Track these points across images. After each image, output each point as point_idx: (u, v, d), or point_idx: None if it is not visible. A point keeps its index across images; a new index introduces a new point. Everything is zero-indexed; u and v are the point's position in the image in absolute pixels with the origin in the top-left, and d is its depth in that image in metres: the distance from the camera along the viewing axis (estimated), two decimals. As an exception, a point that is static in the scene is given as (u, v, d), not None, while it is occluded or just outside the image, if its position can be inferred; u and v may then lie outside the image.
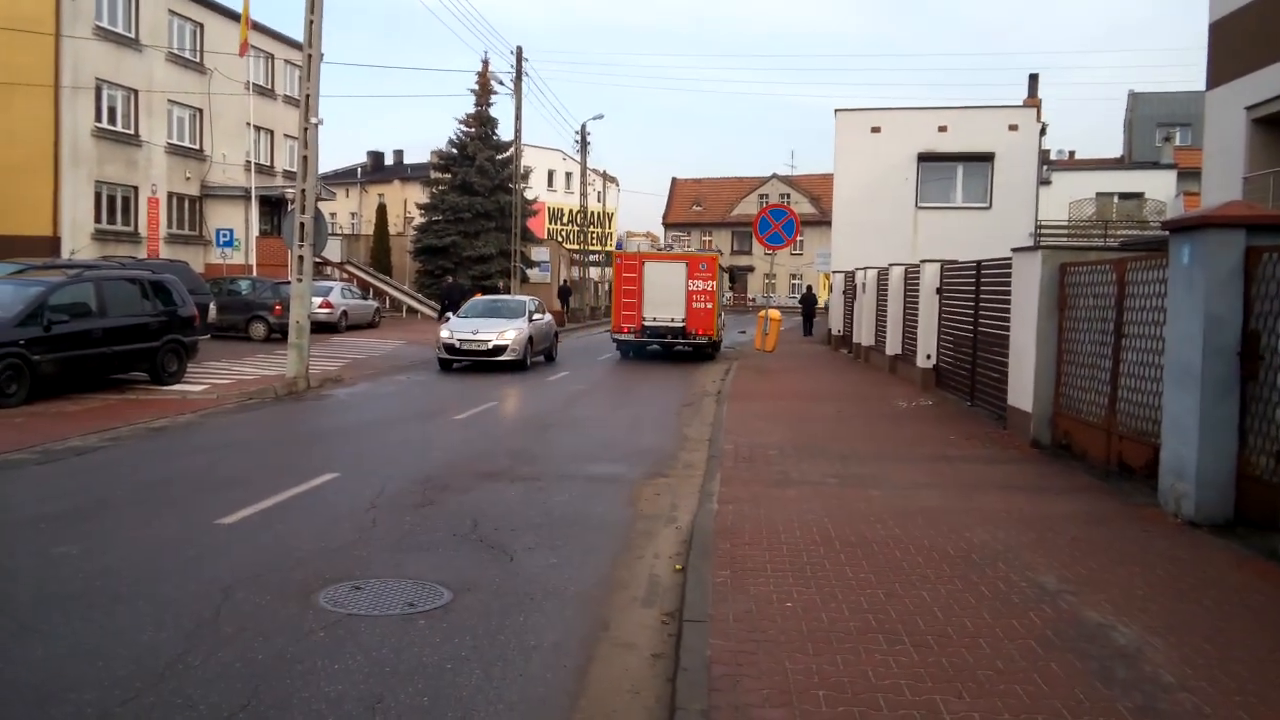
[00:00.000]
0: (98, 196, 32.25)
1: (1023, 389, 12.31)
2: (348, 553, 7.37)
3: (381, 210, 54.09)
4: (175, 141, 36.04)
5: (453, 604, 6.26)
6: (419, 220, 52.31)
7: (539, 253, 52.52)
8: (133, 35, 33.42)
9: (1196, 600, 6.07)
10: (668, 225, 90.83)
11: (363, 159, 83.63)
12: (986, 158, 32.75)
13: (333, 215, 69.20)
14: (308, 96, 18.39)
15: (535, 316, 23.38)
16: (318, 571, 6.84)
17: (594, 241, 65.14)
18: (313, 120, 18.38)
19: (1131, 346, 9.69)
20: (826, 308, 40.75)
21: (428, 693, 4.95)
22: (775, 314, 23.22)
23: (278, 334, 27.40)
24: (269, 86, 41.76)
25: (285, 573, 6.83)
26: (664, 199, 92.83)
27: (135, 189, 33.93)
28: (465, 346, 21.44)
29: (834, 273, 34.30)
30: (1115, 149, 62.33)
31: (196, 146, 37.26)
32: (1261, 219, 7.91)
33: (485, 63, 50.31)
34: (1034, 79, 37.17)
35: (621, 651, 5.63)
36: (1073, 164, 55.83)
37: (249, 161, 38.72)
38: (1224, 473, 7.83)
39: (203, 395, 16.18)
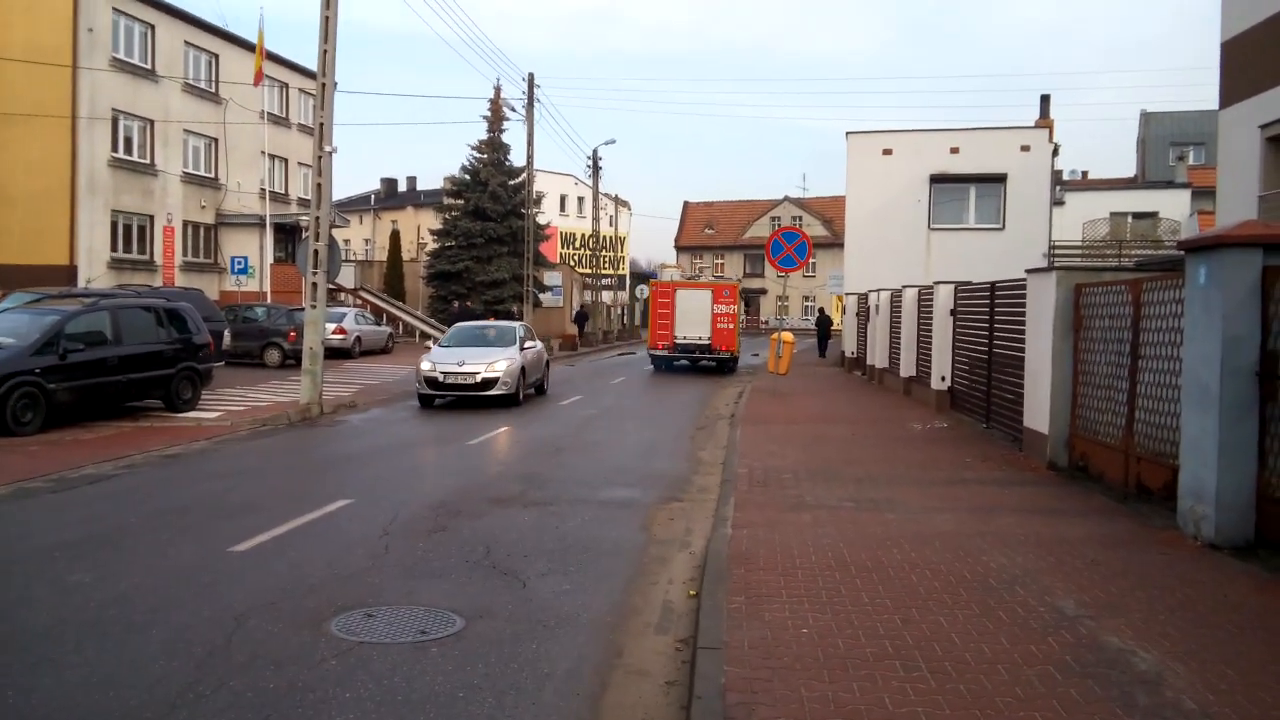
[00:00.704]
0: (114, 225, 32.53)
1: (1039, 410, 12.23)
2: (360, 580, 7.34)
3: (395, 236, 54.33)
4: (191, 170, 36.36)
5: (465, 631, 6.22)
6: (432, 246, 52.52)
7: (551, 277, 52.71)
8: (149, 66, 33.80)
9: (1218, 624, 5.99)
10: (680, 248, 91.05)
11: (376, 185, 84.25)
12: (999, 179, 32.71)
13: (346, 242, 69.63)
14: (321, 125, 18.52)
15: (527, 345, 21.13)
16: (330, 599, 6.82)
17: (606, 265, 65.24)
18: (326, 148, 18.51)
19: (1148, 367, 9.61)
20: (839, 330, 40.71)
21: (440, 722, 4.90)
22: (788, 336, 23.17)
23: (292, 360, 27.46)
24: (283, 115, 42.14)
25: (298, 600, 6.80)
26: (676, 222, 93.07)
27: (151, 218, 34.22)
28: (450, 380, 18.94)
29: (847, 295, 34.26)
30: (1128, 169, 62.18)
31: (212, 175, 37.57)
32: (1278, 238, 7.85)
33: (497, 89, 50.55)
34: (1045, 100, 37.14)
35: (635, 679, 5.58)
36: (1086, 184, 55.74)
37: (263, 189, 39.01)
38: (1244, 494, 7.74)
39: (217, 422, 16.23)
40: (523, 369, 20.01)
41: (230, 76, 37.31)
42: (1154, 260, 26.05)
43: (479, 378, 18.89)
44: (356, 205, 77.10)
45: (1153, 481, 9.46)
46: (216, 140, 37.39)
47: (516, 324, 22.49)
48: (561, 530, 9.07)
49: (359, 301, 42.51)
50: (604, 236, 61.31)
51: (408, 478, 11.82)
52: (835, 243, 64.78)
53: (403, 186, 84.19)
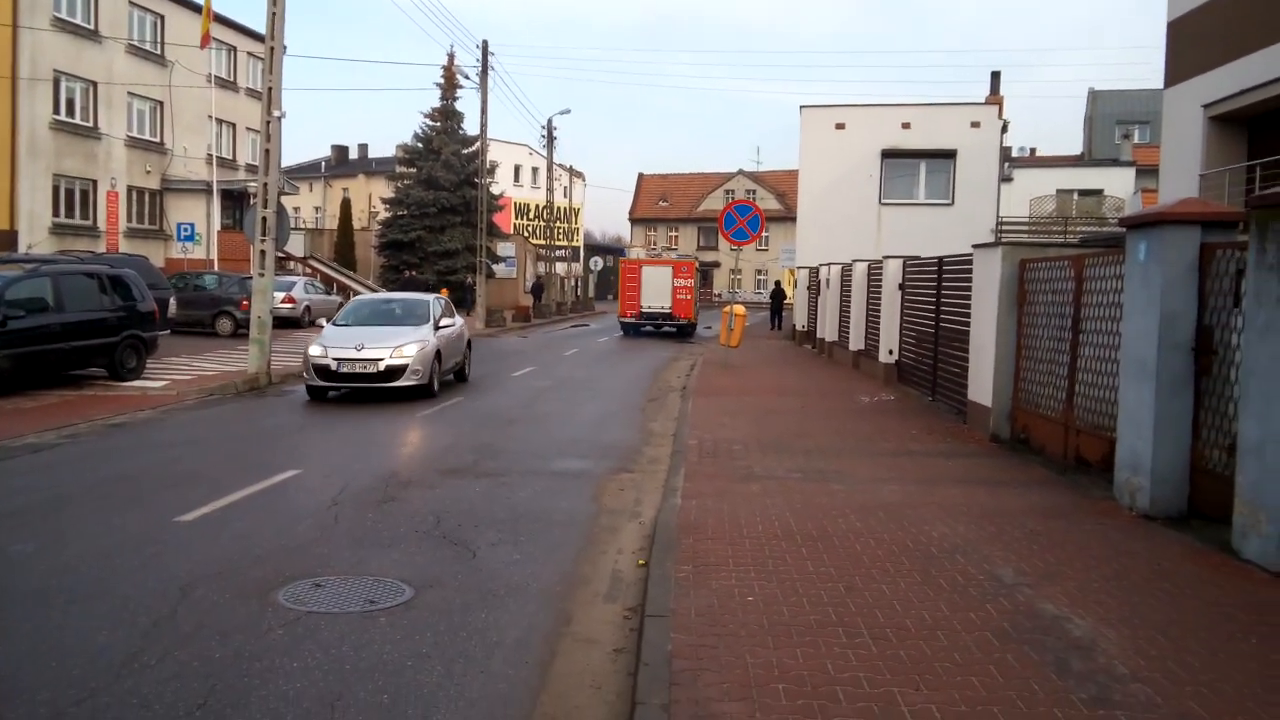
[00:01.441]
0: (55, 190, 31.79)
1: (982, 384, 12.44)
2: (308, 550, 7.32)
3: (346, 204, 53.65)
4: (135, 134, 35.58)
5: (414, 601, 6.24)
6: (384, 215, 51.98)
7: (505, 248, 52.37)
8: (92, 27, 32.94)
9: (1150, 592, 6.17)
10: (634, 221, 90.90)
11: (327, 152, 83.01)
12: (949, 155, 33.04)
13: (296, 209, 68.60)
14: (270, 89, 18.21)
15: (443, 323, 17.43)
16: (278, 569, 6.80)
17: (560, 237, 64.97)
18: (275, 113, 18.20)
19: (1089, 342, 9.81)
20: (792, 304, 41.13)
21: (388, 690, 4.93)
22: (740, 309, 23.29)
23: (244, 329, 27.03)
24: (231, 79, 41.31)
25: (245, 570, 6.77)
26: (631, 194, 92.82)
27: (94, 182, 33.47)
28: (345, 369, 15.41)
29: (799, 268, 34.48)
30: (1075, 146, 63.09)
31: (157, 139, 36.80)
32: (1216, 215, 8.03)
33: (451, 56, 50.11)
34: (996, 77, 37.56)
35: (584, 647, 5.64)
36: (1034, 161, 56.38)
37: (210, 155, 38.31)
38: (1178, 466, 7.96)
39: (162, 391, 16.00)
40: (438, 352, 16.62)
41: (177, 38, 36.45)
42: (1098, 237, 26.50)
43: (382, 365, 15.46)
44: (307, 172, 75.92)
45: (1091, 454, 9.69)
46: (162, 104, 36.59)
47: (431, 297, 18.78)
48: (512, 501, 9.09)
49: (309, 270, 41.99)
50: (558, 208, 61.01)
51: (358, 448, 11.76)
52: (788, 216, 64.99)
53: (354, 154, 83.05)
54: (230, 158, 41.33)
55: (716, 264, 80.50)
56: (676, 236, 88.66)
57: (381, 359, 15.52)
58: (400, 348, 15.77)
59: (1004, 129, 33.99)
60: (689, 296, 36.28)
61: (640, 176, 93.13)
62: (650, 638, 5.34)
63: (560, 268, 64.26)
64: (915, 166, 33.54)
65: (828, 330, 26.24)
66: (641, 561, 7.15)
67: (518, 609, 6.18)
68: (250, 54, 41.20)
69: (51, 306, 15.36)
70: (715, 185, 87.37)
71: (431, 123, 50.28)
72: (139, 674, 5.03)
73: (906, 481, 9.58)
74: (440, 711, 4.73)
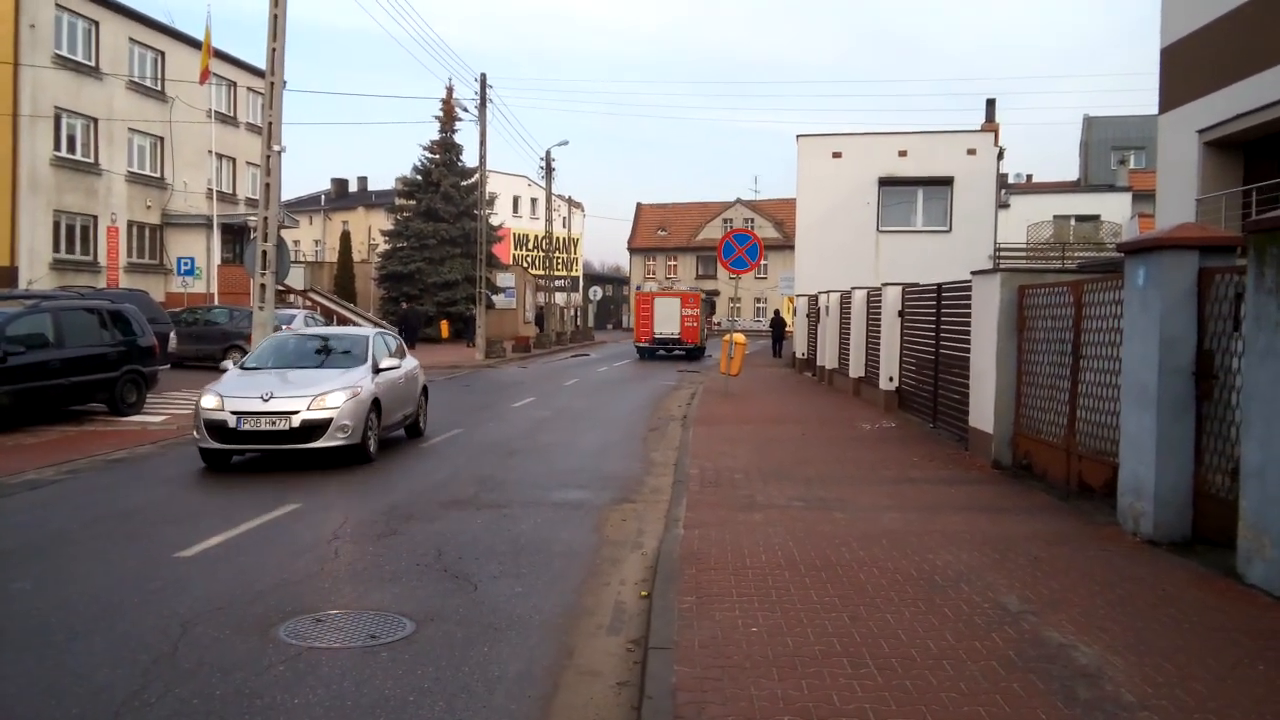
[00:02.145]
0: (56, 226, 31.92)
1: (983, 410, 12.42)
2: (309, 584, 7.29)
3: (345, 237, 53.85)
4: (136, 170, 35.76)
5: (415, 635, 6.20)
6: (383, 247, 52.19)
7: (504, 279, 52.56)
8: (93, 64, 33.20)
9: (1156, 619, 6.13)
10: (633, 250, 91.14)
11: (326, 186, 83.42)
12: (946, 182, 33.19)
13: (296, 243, 68.80)
14: (270, 124, 18.33)
15: (385, 365, 13.58)
16: (278, 604, 6.76)
17: (560, 267, 65.15)
18: (275, 147, 18.31)
19: (1089, 367, 9.81)
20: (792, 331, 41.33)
21: (390, 726, 4.88)
22: (740, 338, 23.30)
23: None
24: (231, 114, 41.57)
25: (245, 606, 6.73)
26: (629, 224, 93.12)
27: (94, 218, 33.61)
28: (248, 425, 11.88)
29: (797, 296, 34.55)
30: (1071, 172, 63.31)
31: (157, 175, 36.98)
32: (1214, 240, 8.06)
33: (449, 89, 50.43)
34: (991, 104, 37.75)
35: (587, 680, 5.60)
36: (1030, 187, 56.69)
37: (211, 189, 38.48)
38: (1181, 491, 7.93)
39: (162, 426, 15.98)
40: (376, 402, 12.97)
41: (177, 74, 36.72)
42: (1096, 262, 26.58)
43: (297, 420, 11.85)
44: (306, 206, 76.24)
45: (1094, 479, 9.66)
46: (162, 139, 36.80)
47: (371, 331, 15.18)
48: (514, 533, 9.06)
49: (309, 303, 42.02)
50: (557, 238, 61.22)
51: (358, 480, 11.72)
52: (786, 244, 65.23)
53: (353, 187, 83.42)
54: (230, 192, 41.51)
55: (716, 292, 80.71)
56: (675, 266, 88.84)
57: (296, 412, 11.87)
58: (322, 396, 12.09)
59: (1000, 156, 34.19)
60: (695, 324, 41.30)
61: (639, 206, 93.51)
62: (654, 670, 5.30)
63: (560, 298, 64.39)
64: (912, 194, 33.70)
65: (828, 358, 26.25)
66: (644, 593, 7.11)
67: (520, 642, 6.14)
68: (250, 89, 41.48)
69: (52, 342, 15.38)
70: (713, 214, 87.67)
71: (431, 155, 50.61)
72: (140, 712, 4.99)
73: (909, 509, 9.54)
74: (443, 747, 4.68)
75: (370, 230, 66.95)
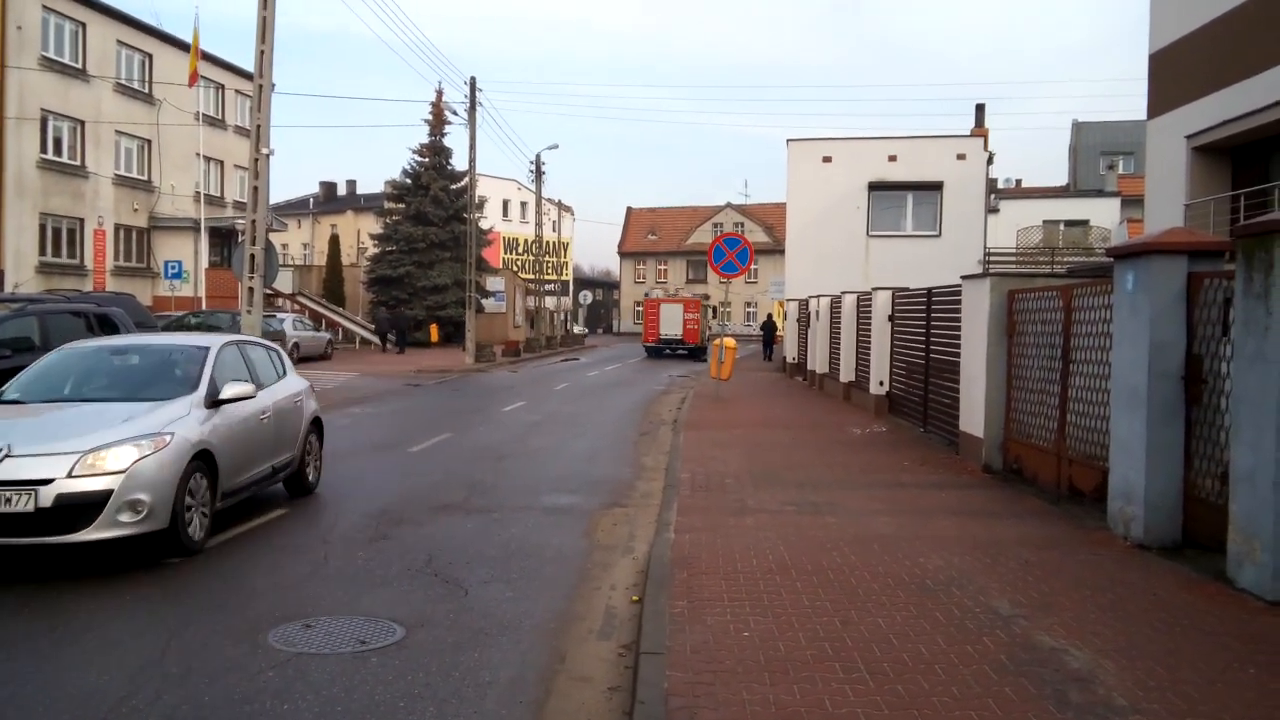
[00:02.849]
0: (42, 229, 31.76)
1: (974, 415, 12.44)
2: (299, 589, 7.25)
3: (334, 241, 53.77)
4: (123, 173, 35.62)
5: (406, 640, 6.17)
6: (372, 251, 52.10)
7: (494, 283, 52.51)
8: (80, 66, 33.06)
9: (1147, 623, 6.14)
10: (623, 254, 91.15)
11: (315, 189, 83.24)
12: (935, 186, 33.28)
13: (284, 246, 68.58)
14: (258, 127, 18.27)
15: (231, 395, 9.14)
16: (268, 609, 6.72)
17: (550, 271, 65.11)
18: (263, 151, 18.25)
19: (1079, 372, 9.83)
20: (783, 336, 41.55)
21: (380, 732, 4.85)
22: (730, 342, 23.30)
23: None
24: (219, 117, 41.45)
25: (234, 611, 6.69)
26: (620, 228, 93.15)
27: (81, 221, 33.46)
28: None
29: (788, 300, 34.59)
30: (1061, 177, 63.65)
31: (145, 177, 36.85)
32: (1203, 245, 8.09)
33: (439, 93, 50.39)
34: (980, 109, 37.86)
35: (578, 685, 5.58)
36: (1020, 192, 56.84)
37: (198, 192, 38.34)
38: (1171, 495, 7.95)
39: (150, 430, 15.85)
40: (204, 457, 8.43)
41: (164, 77, 36.62)
42: (1085, 267, 26.65)
43: (47, 495, 7.31)
44: (295, 209, 76.03)
45: (1084, 484, 9.68)
46: (150, 142, 36.68)
47: (215, 340, 10.13)
48: (504, 537, 9.03)
49: (297, 307, 41.97)
50: (547, 242, 61.20)
51: (348, 486, 11.67)
52: (777, 249, 65.40)
53: (342, 190, 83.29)
54: (218, 195, 41.39)
55: (706, 297, 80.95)
56: (665, 270, 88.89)
57: (47, 481, 7.34)
58: (98, 454, 7.60)
59: (990, 161, 34.28)
60: (696, 326, 46.98)
61: (629, 210, 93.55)
62: (645, 675, 5.28)
63: (550, 301, 64.40)
64: (902, 198, 33.78)
65: (818, 362, 26.27)
66: (635, 598, 7.10)
67: (511, 647, 6.12)
68: (238, 92, 41.39)
69: (38, 346, 15.22)
70: (703, 219, 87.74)
71: (420, 159, 50.53)
72: (127, 718, 4.95)
73: (900, 513, 9.55)
74: (433, 754, 4.65)
75: (359, 234, 66.87)
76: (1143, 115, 18.80)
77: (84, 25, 33.25)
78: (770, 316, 48.55)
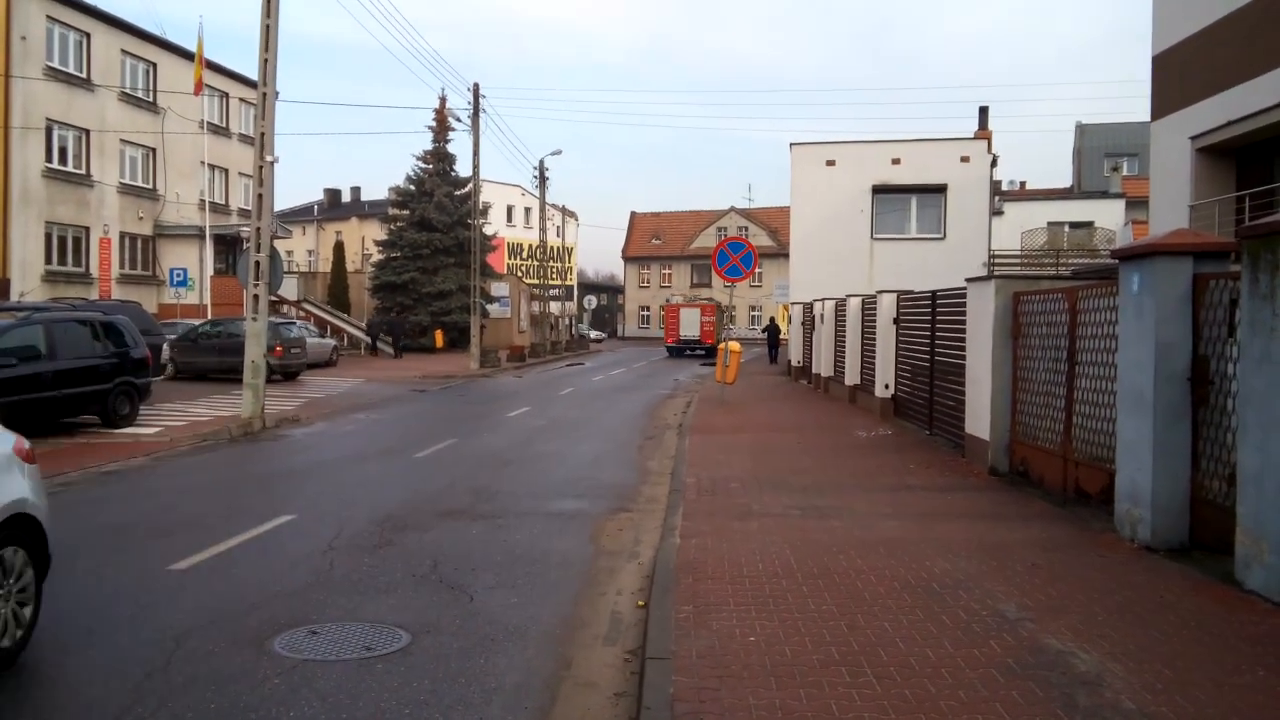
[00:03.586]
0: (48, 237, 31.85)
1: (979, 417, 12.41)
2: (304, 596, 7.24)
3: (339, 247, 53.82)
4: (128, 181, 35.71)
5: (411, 647, 6.16)
6: (377, 257, 52.16)
7: (499, 288, 52.55)
8: (84, 75, 33.17)
9: (1155, 625, 6.11)
10: (628, 259, 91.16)
11: (320, 196, 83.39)
12: (939, 189, 33.26)
13: (289, 253, 68.76)
14: (263, 134, 18.29)
15: None
16: (273, 616, 6.71)
17: (554, 276, 65.15)
18: (268, 158, 18.27)
19: (1085, 373, 9.81)
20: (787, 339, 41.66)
21: (386, 739, 4.84)
22: (735, 346, 23.29)
23: (278, 375, 27.13)
24: (223, 125, 41.55)
25: (240, 618, 6.68)
26: (624, 232, 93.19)
27: (86, 229, 33.55)
28: None
29: (792, 304, 34.59)
30: (1065, 179, 63.57)
31: (150, 186, 36.94)
32: (1208, 246, 8.06)
33: (443, 99, 50.50)
34: (984, 112, 37.87)
35: (584, 691, 5.56)
36: (1024, 194, 56.76)
37: (203, 200, 38.43)
38: (1178, 497, 7.92)
39: (156, 438, 15.92)
40: None
41: (169, 85, 36.73)
42: (1090, 269, 26.61)
43: None
44: (299, 216, 76.16)
45: (1091, 486, 9.65)
46: (155, 150, 36.78)
47: None
48: (509, 543, 9.02)
49: (302, 314, 42.01)
50: (551, 247, 61.20)
51: (353, 492, 11.67)
52: (781, 253, 65.44)
53: (346, 197, 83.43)
54: (223, 203, 41.48)
55: (711, 300, 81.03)
56: (670, 274, 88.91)
57: None
58: None
59: (993, 163, 34.26)
60: (712, 328, 52.73)
61: (633, 215, 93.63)
62: (652, 681, 5.26)
63: (555, 307, 64.50)
64: (906, 201, 33.76)
65: (823, 365, 26.24)
66: (641, 603, 7.08)
67: (516, 653, 6.11)
68: (242, 100, 41.49)
69: (44, 354, 15.32)
70: (708, 223, 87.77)
71: (424, 165, 50.62)
72: (132, 727, 4.95)
73: (906, 517, 9.52)
74: (439, 760, 4.64)
75: (364, 240, 66.97)
76: (1147, 117, 18.79)
77: (88, 35, 33.36)
78: (773, 320, 48.97)
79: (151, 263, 37.31)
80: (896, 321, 18.34)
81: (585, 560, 8.49)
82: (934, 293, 15.67)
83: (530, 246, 74.74)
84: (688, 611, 6.43)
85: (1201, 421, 7.81)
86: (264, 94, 18.24)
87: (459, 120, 40.64)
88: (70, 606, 6.95)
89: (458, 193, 49.79)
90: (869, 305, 20.71)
